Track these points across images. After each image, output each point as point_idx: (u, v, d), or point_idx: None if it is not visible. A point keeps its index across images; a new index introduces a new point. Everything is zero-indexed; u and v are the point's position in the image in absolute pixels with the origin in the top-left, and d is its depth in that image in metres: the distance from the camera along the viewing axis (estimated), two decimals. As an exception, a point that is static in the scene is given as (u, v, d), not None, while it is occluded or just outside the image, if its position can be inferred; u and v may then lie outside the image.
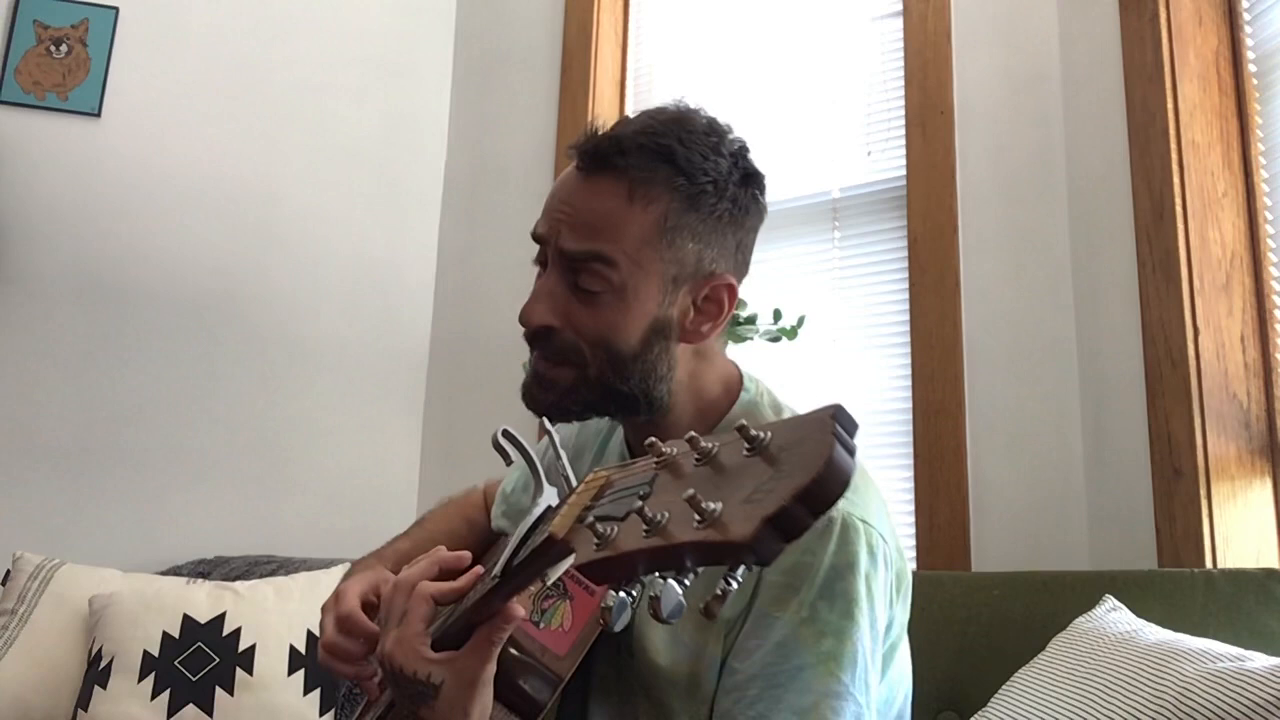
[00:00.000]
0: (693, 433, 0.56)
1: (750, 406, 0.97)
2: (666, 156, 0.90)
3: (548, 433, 0.82)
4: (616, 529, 0.54)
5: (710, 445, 0.54)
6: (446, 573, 0.81)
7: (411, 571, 0.81)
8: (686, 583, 0.52)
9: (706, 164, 0.91)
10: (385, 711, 0.92)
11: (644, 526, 0.51)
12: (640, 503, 0.54)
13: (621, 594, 0.55)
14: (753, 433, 0.51)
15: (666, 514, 0.51)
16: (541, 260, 0.94)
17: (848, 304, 2.23)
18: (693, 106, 0.96)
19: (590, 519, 0.57)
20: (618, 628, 0.58)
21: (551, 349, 0.92)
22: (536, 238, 0.94)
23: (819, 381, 2.21)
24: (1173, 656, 1.21)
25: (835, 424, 0.48)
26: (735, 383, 1.00)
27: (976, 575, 1.78)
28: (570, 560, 0.61)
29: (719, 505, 0.48)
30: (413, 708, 0.75)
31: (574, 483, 0.75)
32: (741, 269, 0.97)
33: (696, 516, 0.48)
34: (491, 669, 0.74)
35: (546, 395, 0.91)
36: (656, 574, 0.52)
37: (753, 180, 0.96)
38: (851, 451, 0.47)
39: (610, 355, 0.90)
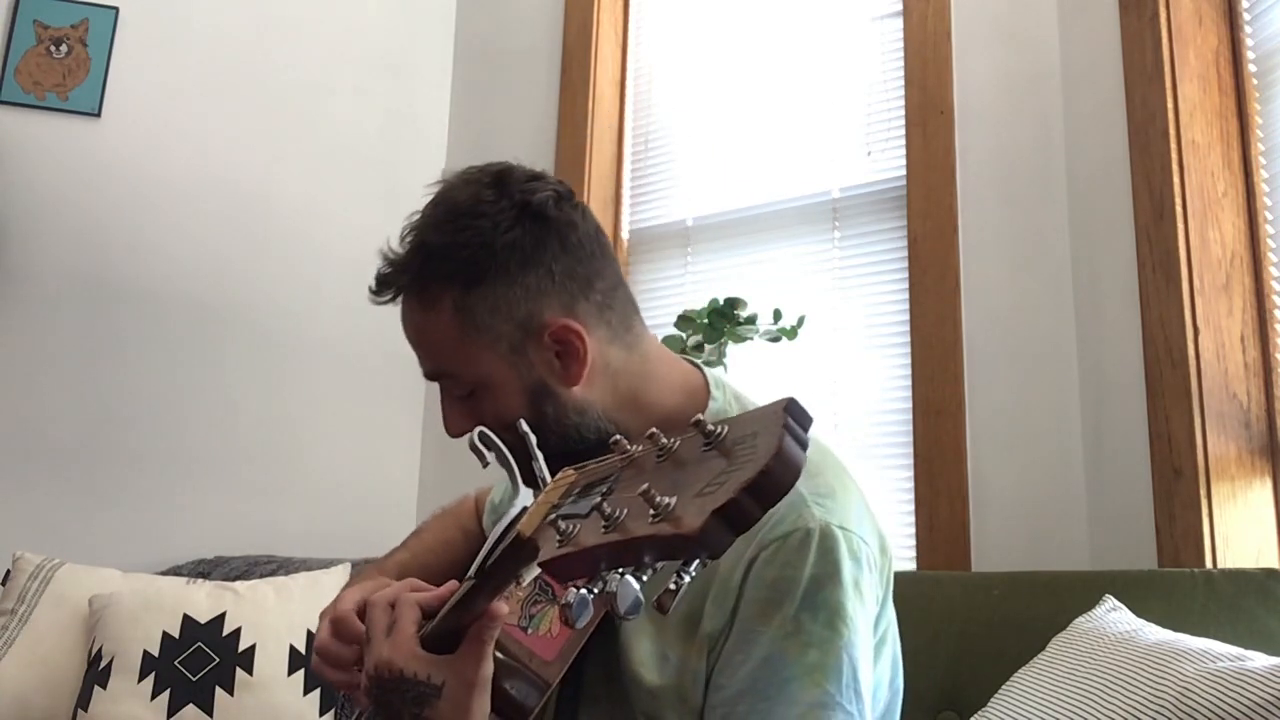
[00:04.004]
0: (654, 429, 0.56)
1: (719, 416, 0.96)
2: (423, 254, 0.90)
3: (524, 435, 0.82)
4: (579, 526, 0.54)
5: (670, 441, 0.55)
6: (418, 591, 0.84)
7: (388, 590, 0.83)
8: (644, 579, 0.51)
9: (460, 237, 0.88)
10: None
11: (603, 522, 0.51)
12: (601, 500, 0.54)
13: (582, 590, 0.54)
14: (709, 427, 0.52)
15: (625, 509, 0.51)
16: None
17: (848, 304, 2.23)
18: (450, 179, 0.94)
19: (555, 516, 0.57)
20: (579, 625, 0.57)
21: None
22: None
23: (819, 381, 2.21)
24: (1173, 656, 1.21)
25: (787, 416, 0.48)
26: (700, 391, 0.97)
27: (976, 575, 1.78)
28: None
29: (673, 499, 0.48)
30: (415, 711, 0.75)
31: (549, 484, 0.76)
32: (576, 294, 0.90)
33: (651, 511, 0.48)
34: (488, 669, 0.75)
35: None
36: (619, 570, 0.52)
37: (529, 209, 0.90)
38: (804, 444, 0.48)
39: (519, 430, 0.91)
